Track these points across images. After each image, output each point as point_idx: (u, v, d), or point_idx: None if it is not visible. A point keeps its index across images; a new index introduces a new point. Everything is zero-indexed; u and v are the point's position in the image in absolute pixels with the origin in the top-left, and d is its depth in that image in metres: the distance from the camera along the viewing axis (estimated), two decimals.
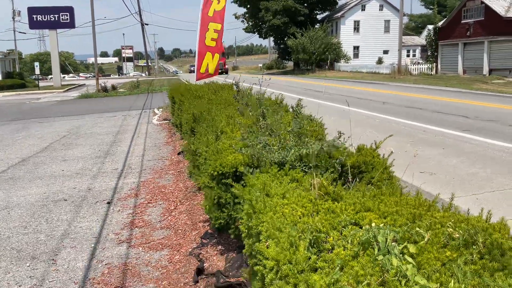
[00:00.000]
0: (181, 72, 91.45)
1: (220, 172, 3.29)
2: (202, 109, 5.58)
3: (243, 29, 59.25)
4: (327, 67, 48.87)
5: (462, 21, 32.91)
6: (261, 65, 79.78)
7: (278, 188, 2.50)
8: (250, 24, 57.45)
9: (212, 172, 3.34)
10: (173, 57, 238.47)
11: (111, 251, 4.15)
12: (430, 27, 39.22)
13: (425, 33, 46.04)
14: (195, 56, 9.47)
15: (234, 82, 7.28)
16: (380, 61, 48.51)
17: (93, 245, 4.29)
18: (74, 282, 3.57)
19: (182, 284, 3.48)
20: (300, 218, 2.07)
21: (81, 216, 5.13)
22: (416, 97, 17.50)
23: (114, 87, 27.83)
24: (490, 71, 30.56)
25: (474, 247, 1.69)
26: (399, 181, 3.10)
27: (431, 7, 56.73)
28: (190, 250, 4.07)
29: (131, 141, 10.09)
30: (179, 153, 8.25)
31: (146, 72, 74.18)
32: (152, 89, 27.85)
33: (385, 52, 51.21)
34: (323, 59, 48.46)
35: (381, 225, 1.88)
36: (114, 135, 10.95)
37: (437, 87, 22.55)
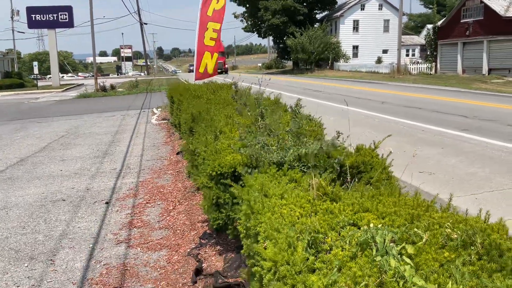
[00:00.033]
0: (180, 71, 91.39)
1: (219, 172, 3.28)
2: (200, 109, 5.57)
3: (242, 28, 59.30)
4: (327, 66, 48.87)
5: (461, 21, 32.93)
6: (260, 64, 79.76)
7: (277, 188, 2.49)
8: (249, 23, 57.44)
9: (210, 172, 3.34)
10: (172, 56, 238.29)
11: (110, 251, 4.14)
12: (430, 26, 39.24)
13: (424, 32, 46.09)
14: (194, 56, 9.47)
15: (232, 82, 7.27)
16: (379, 61, 48.51)
17: (91, 245, 4.28)
18: (73, 282, 3.56)
19: (180, 285, 3.48)
20: (298, 219, 2.07)
21: (79, 217, 5.12)
22: (415, 96, 17.50)
23: (113, 87, 27.80)
24: (490, 70, 30.59)
25: (472, 248, 1.69)
26: (398, 181, 3.10)
27: (431, 6, 56.74)
28: (188, 250, 4.06)
29: (129, 141, 10.08)
30: (178, 153, 8.24)
31: (145, 72, 74.18)
32: (151, 88, 27.84)
33: (385, 51, 51.22)
34: (322, 58, 48.48)
35: (379, 225, 1.88)
36: (112, 135, 10.93)
37: (436, 87, 22.56)
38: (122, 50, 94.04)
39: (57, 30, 37.73)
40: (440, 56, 36.05)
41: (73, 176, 6.98)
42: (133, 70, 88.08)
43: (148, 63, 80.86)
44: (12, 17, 54.84)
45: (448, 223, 1.85)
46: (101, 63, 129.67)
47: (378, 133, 8.25)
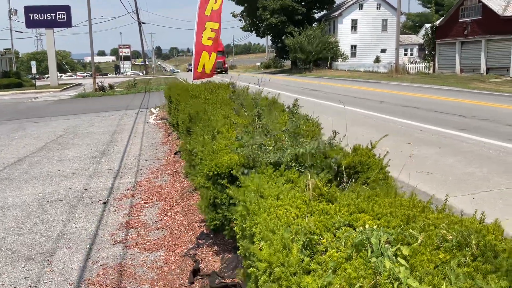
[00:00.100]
0: (178, 70, 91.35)
1: (216, 172, 3.28)
2: (198, 109, 5.56)
3: (241, 27, 59.23)
4: (326, 66, 48.88)
5: (459, 20, 32.95)
6: (258, 64, 79.75)
7: (272, 189, 2.49)
8: (248, 22, 57.40)
9: (207, 172, 3.33)
10: (170, 56, 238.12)
11: (107, 252, 4.13)
12: (428, 26, 39.25)
13: (422, 32, 46.11)
14: (192, 55, 9.46)
15: (230, 82, 7.27)
16: (377, 60, 48.55)
17: (88, 246, 4.28)
18: (69, 283, 3.55)
19: (177, 285, 3.47)
20: (294, 220, 2.06)
21: (76, 217, 5.11)
22: (413, 96, 17.51)
23: (111, 86, 27.76)
24: (488, 70, 30.63)
25: (467, 249, 1.68)
26: (395, 181, 3.10)
27: (429, 5, 56.69)
28: (185, 250, 4.06)
29: (127, 140, 10.07)
30: (175, 153, 8.24)
31: (144, 71, 74.07)
32: (149, 88, 27.82)
33: (383, 51, 51.27)
34: (320, 58, 48.49)
35: (375, 226, 1.88)
36: (110, 135, 10.92)
37: (434, 86, 22.58)
38: (120, 49, 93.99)
39: (55, 29, 37.64)
40: (438, 55, 36.08)
41: (70, 176, 6.97)
42: (131, 70, 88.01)
43: (147, 63, 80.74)
44: (10, 17, 54.74)
45: (444, 224, 1.85)
46: (99, 62, 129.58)
47: (376, 132, 8.25)
